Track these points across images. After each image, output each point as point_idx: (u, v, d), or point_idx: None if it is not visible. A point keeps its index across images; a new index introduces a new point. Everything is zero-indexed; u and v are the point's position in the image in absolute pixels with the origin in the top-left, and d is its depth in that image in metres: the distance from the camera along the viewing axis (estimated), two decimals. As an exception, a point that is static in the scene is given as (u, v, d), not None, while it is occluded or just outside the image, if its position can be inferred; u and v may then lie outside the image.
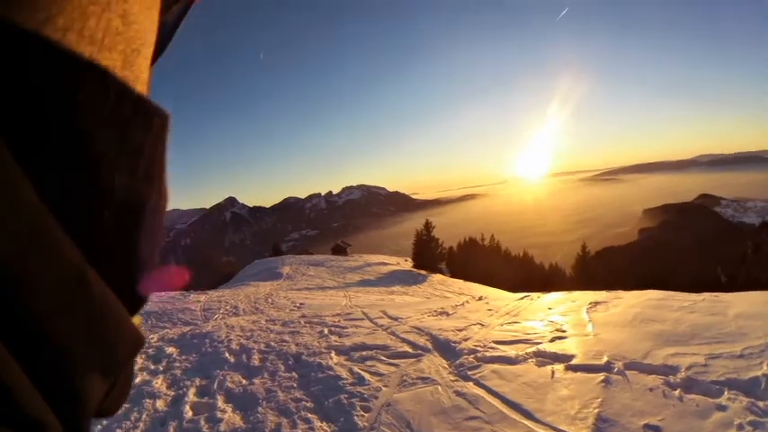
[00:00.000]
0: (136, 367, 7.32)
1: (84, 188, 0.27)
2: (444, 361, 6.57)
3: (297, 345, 7.91)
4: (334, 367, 6.56)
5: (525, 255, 64.89)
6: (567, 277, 57.80)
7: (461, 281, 33.90)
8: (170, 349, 8.47)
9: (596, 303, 8.95)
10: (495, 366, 6.11)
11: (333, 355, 7.16)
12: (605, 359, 5.84)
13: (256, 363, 7.20)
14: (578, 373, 5.58)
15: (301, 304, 15.69)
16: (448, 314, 9.88)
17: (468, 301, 11.72)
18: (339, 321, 9.63)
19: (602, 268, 54.67)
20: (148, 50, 0.34)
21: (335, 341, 7.92)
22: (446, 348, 7.07)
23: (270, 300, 17.65)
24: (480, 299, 12.43)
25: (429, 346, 7.26)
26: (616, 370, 5.51)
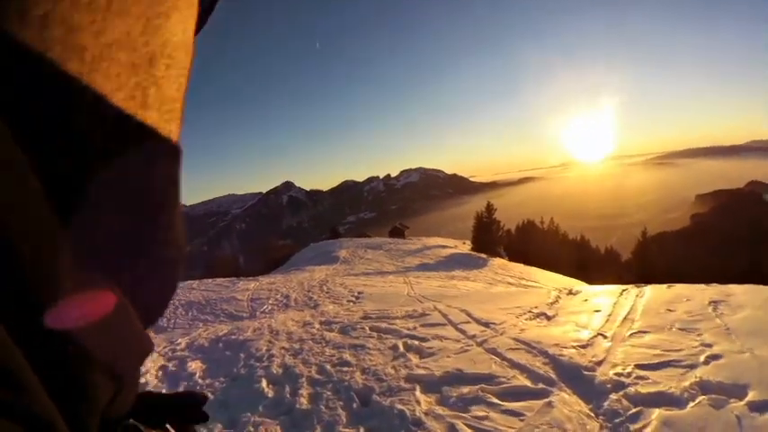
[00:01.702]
0: (150, 386, 5.77)
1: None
2: (584, 404, 4.55)
3: (363, 372, 5.73)
4: (424, 420, 4.37)
5: (582, 238, 63.50)
6: (622, 262, 56.58)
7: (521, 265, 33.11)
8: (194, 365, 6.57)
9: (716, 303, 7.51)
10: (662, 412, 4.24)
11: (418, 393, 4.98)
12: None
13: (304, 403, 5.02)
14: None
15: (360, 293, 13.65)
16: (548, 317, 7.93)
17: (559, 297, 9.91)
18: (415, 328, 7.52)
19: (659, 255, 52.80)
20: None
21: (418, 366, 5.75)
22: (578, 379, 5.05)
23: (325, 288, 15.69)
24: (572, 293, 10.49)
25: (552, 374, 5.19)
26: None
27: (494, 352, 5.99)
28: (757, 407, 4.27)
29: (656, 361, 5.34)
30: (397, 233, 48.84)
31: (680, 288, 9.33)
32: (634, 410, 4.30)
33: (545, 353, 5.79)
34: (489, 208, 47.10)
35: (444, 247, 37.96)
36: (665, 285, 9.99)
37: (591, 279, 29.62)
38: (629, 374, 5.02)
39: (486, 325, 7.47)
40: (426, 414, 4.46)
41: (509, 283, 20.78)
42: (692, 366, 5.15)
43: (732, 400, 4.37)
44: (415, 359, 5.97)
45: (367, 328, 7.69)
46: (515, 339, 6.46)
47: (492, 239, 44.01)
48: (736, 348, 5.50)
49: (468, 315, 8.21)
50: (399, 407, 4.62)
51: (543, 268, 31.96)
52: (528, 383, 4.99)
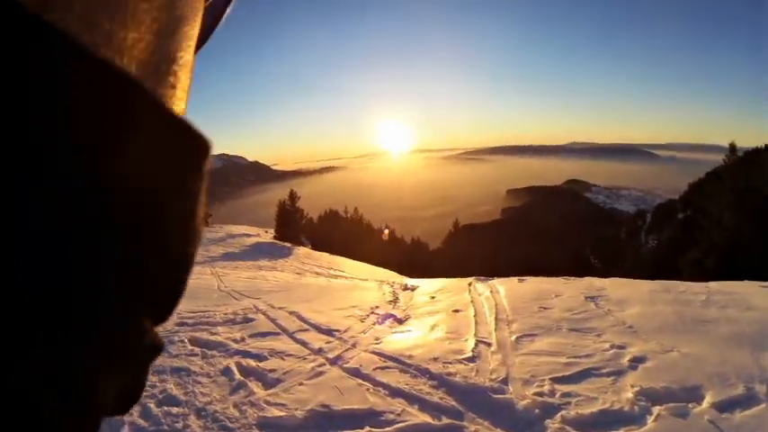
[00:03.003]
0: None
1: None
2: None
3: (199, 415, 4.20)
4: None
5: (387, 227, 63.55)
6: (430, 251, 58.48)
7: (327, 254, 32.19)
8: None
9: (593, 298, 7.31)
10: None
11: None
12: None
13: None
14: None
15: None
16: (399, 319, 7.10)
17: (396, 293, 9.43)
18: (243, 340, 6.14)
19: (472, 245, 55.45)
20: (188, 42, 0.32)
21: (267, 401, 4.36)
22: (490, 406, 4.13)
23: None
24: (409, 288, 10.01)
25: (452, 402, 4.19)
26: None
27: (358, 374, 4.86)
28: (725, 405, 3.96)
29: (572, 371, 4.68)
30: (200, 222, 46.77)
31: (536, 282, 9.10)
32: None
33: (426, 372, 4.79)
34: (292, 196, 45.92)
35: (248, 235, 36.79)
36: (514, 279, 9.72)
37: (400, 269, 29.71)
38: (551, 392, 4.27)
39: (330, 333, 6.35)
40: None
41: (317, 273, 20.19)
42: (619, 373, 4.63)
43: (691, 405, 3.97)
44: (258, 390, 4.61)
45: (186, 340, 6.07)
46: (377, 354, 5.40)
47: (296, 228, 42.96)
48: (658, 348, 5.18)
49: (302, 319, 7.06)
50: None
51: (351, 258, 31.41)
52: (428, 419, 3.93)
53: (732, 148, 25.18)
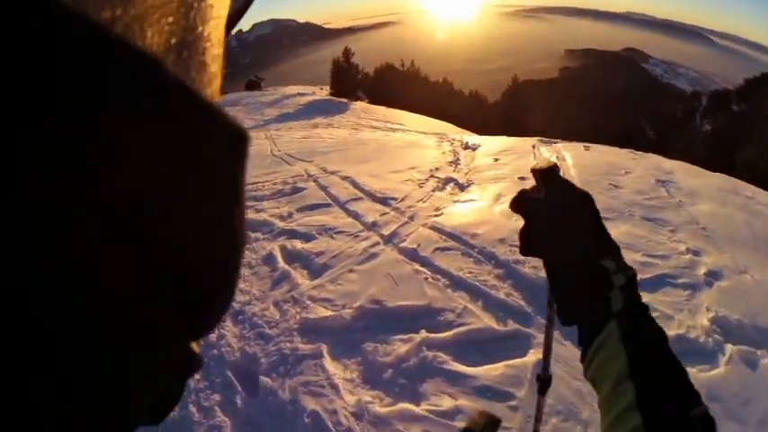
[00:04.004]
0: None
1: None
2: None
3: (236, 320, 3.73)
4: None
5: (445, 80, 62.88)
6: (488, 104, 57.54)
7: (384, 108, 31.60)
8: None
9: (663, 182, 6.76)
10: (696, 375, 3.07)
11: (328, 364, 3.12)
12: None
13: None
14: None
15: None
16: (460, 185, 6.52)
17: (456, 153, 8.67)
18: (291, 216, 5.62)
19: (529, 101, 54.39)
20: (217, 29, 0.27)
21: (311, 297, 3.86)
22: None
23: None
24: (470, 147, 9.22)
25: (521, 301, 3.64)
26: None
27: (415, 257, 4.29)
28: None
29: (649, 274, 4.13)
30: (254, 86, 46.47)
31: (603, 152, 8.53)
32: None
33: (492, 257, 4.18)
34: (346, 52, 45.82)
35: (303, 94, 36.04)
36: (579, 145, 9.08)
37: (458, 122, 29.06)
38: None
39: (385, 202, 5.81)
40: (356, 416, 2.63)
41: (374, 127, 19.58)
42: (694, 287, 4.05)
43: (760, 353, 3.36)
44: (303, 281, 4.09)
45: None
46: (437, 229, 4.81)
47: (351, 83, 43.34)
48: (732, 264, 4.56)
49: (356, 186, 6.52)
50: (305, 403, 2.73)
51: (408, 110, 30.80)
52: (492, 323, 3.34)
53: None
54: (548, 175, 0.79)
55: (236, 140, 0.23)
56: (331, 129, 18.49)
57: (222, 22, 0.26)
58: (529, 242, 0.77)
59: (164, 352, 0.23)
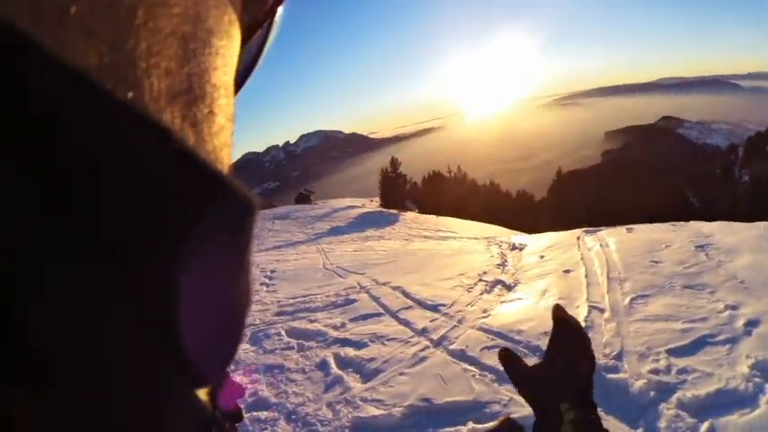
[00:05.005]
0: None
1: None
2: (628, 429, 3.34)
3: (289, 419, 3.93)
4: None
5: (492, 183, 63.84)
6: (536, 202, 57.92)
7: (434, 216, 31.73)
8: None
9: (702, 247, 6.79)
10: (736, 420, 3.28)
11: None
12: None
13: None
14: None
15: (272, 272, 11.82)
16: (507, 285, 6.73)
17: (504, 255, 8.89)
18: (344, 326, 5.85)
19: (576, 192, 54.48)
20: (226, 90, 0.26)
21: (363, 398, 4.05)
22: (601, 386, 3.11)
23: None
24: (517, 248, 9.43)
25: None
26: None
27: (463, 357, 4.45)
28: None
29: (688, 340, 4.24)
30: (303, 199, 47.60)
31: (645, 231, 8.54)
32: (703, 428, 3.21)
33: (537, 349, 4.35)
34: (393, 162, 46.78)
35: (353, 207, 36.59)
36: (622, 229, 9.12)
37: (508, 223, 29.18)
38: (667, 368, 3.83)
39: (435, 309, 5.98)
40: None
41: (425, 237, 19.70)
42: (733, 341, 4.17)
43: None
44: (356, 384, 4.28)
45: (284, 332, 5.88)
46: (484, 330, 4.97)
47: (400, 194, 43.69)
48: None
49: (406, 295, 6.71)
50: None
51: (456, 217, 30.99)
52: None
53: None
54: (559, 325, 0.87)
55: (244, 210, 0.22)
56: (382, 241, 18.75)
57: (230, 71, 0.26)
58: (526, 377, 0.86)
59: (165, 400, 0.23)
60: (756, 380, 3.52)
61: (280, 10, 0.35)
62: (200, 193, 0.19)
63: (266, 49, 0.37)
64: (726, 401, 3.35)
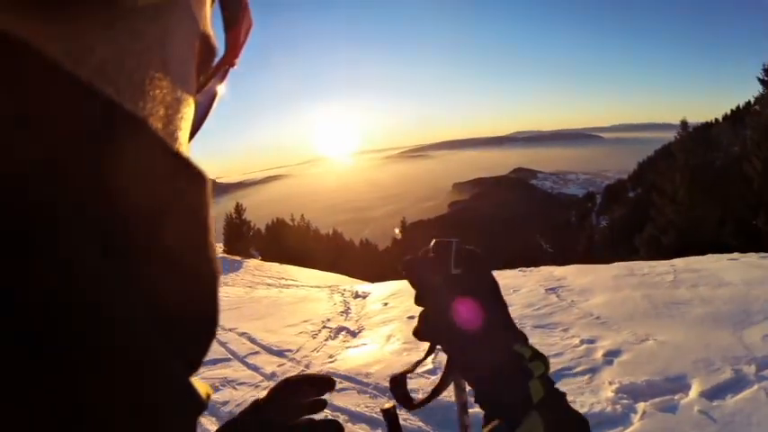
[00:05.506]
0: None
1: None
2: None
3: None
4: None
5: (335, 232, 63.58)
6: (380, 252, 58.90)
7: (277, 264, 31.56)
8: None
9: (553, 289, 7.21)
10: None
11: None
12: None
13: None
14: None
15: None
16: (352, 332, 6.98)
17: (347, 303, 9.18)
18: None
19: (422, 243, 56.45)
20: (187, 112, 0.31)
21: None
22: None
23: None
24: (360, 296, 9.78)
25: (419, 423, 4.02)
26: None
27: (316, 400, 4.61)
28: (714, 393, 3.84)
29: None
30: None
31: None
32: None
33: (386, 391, 4.59)
34: (238, 208, 45.67)
35: (196, 252, 36.14)
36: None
37: (351, 272, 29.54)
38: None
39: (282, 354, 6.20)
40: None
41: (268, 285, 19.88)
42: (593, 370, 4.46)
43: (678, 396, 3.85)
44: (212, 427, 4.32)
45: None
46: (331, 374, 5.11)
47: (244, 241, 42.59)
48: (632, 338, 4.99)
49: (252, 341, 6.87)
50: None
51: (299, 265, 31.28)
52: None
53: (684, 124, 25.88)
54: (458, 250, 0.74)
55: (200, 177, 0.26)
56: (226, 287, 18.55)
57: (187, 131, 0.31)
58: (427, 324, 0.75)
59: (164, 384, 0.24)
60: (624, 401, 3.83)
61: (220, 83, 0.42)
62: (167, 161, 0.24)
63: (214, 107, 0.43)
64: (592, 423, 3.69)
